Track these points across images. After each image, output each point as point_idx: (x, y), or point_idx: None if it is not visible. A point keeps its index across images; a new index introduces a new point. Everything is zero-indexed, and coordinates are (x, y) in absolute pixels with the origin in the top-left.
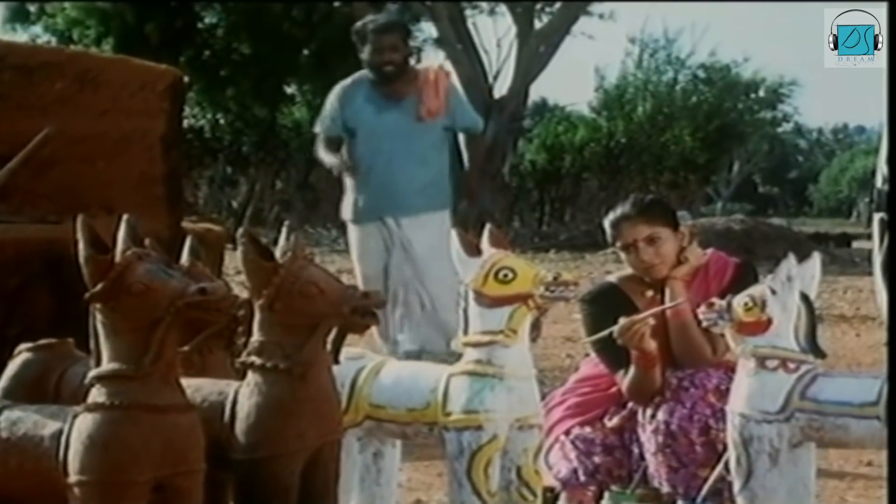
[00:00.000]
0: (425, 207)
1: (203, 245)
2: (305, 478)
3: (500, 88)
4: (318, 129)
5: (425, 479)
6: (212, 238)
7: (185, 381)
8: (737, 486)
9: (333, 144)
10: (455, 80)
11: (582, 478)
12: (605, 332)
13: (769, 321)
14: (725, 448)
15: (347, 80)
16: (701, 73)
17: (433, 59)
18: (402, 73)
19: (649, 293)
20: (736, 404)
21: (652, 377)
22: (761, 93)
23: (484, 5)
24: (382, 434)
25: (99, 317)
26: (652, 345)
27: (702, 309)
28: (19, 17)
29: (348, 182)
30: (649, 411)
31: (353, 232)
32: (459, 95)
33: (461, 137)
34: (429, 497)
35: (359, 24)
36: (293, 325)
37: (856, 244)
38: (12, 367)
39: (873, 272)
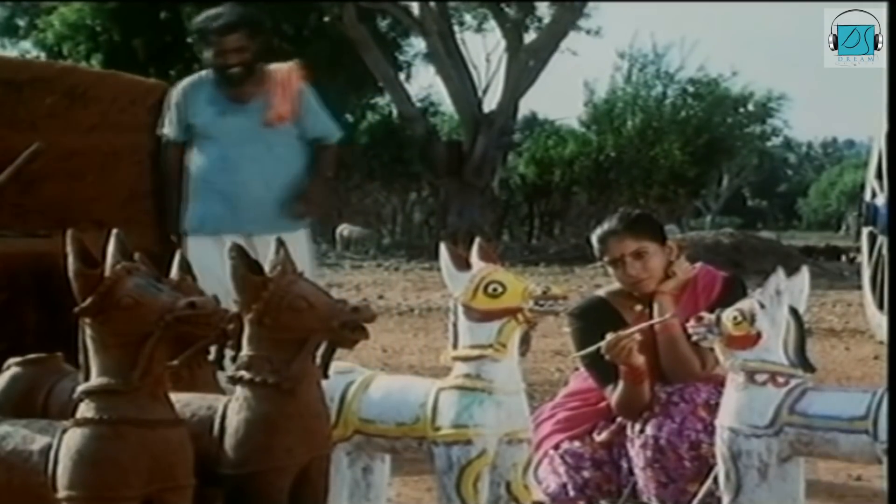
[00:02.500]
0: (278, 225)
1: None
2: (295, 493)
3: (490, 103)
4: (161, 132)
5: (414, 494)
6: None
7: (174, 396)
8: (726, 501)
9: (179, 149)
10: (305, 87)
11: (571, 492)
12: (593, 348)
13: (758, 335)
14: (715, 463)
15: (188, 80)
16: (690, 88)
17: (423, 74)
18: (249, 75)
19: (638, 307)
20: (725, 419)
21: (641, 392)
22: (750, 107)
23: (472, 21)
24: (372, 449)
25: (88, 331)
26: (640, 360)
27: (691, 323)
28: (9, 31)
29: (190, 190)
30: (638, 426)
31: (190, 246)
32: (312, 100)
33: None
34: None
35: (198, 21)
36: (282, 340)
37: (845, 258)
38: (0, 381)
39: (862, 286)
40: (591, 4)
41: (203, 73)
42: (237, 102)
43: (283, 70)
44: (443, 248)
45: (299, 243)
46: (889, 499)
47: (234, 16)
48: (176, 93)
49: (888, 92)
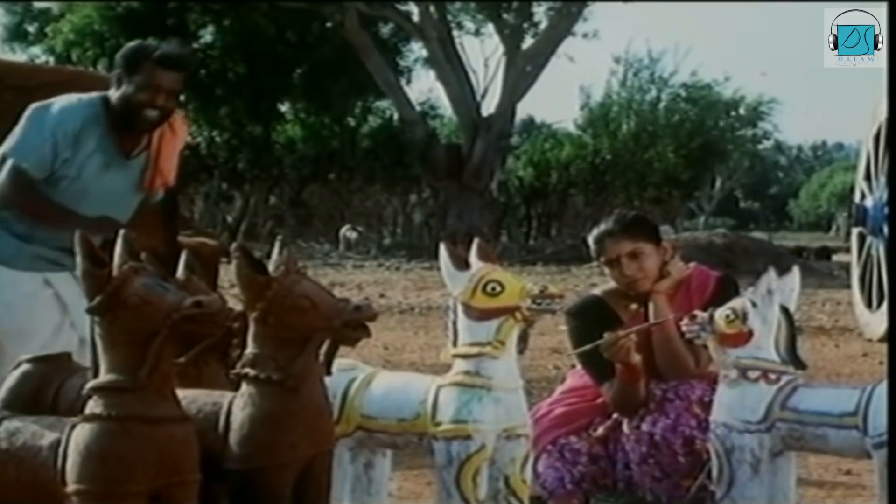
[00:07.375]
0: None
1: (198, 259)
2: (298, 488)
3: (488, 107)
4: (16, 159)
5: (415, 489)
6: (207, 252)
7: (181, 393)
8: (718, 495)
9: (30, 184)
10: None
11: (568, 486)
12: (591, 346)
13: (750, 333)
14: (708, 458)
15: (79, 115)
16: (683, 93)
17: (423, 79)
18: (160, 125)
19: (633, 306)
20: (718, 415)
21: (636, 389)
22: (742, 111)
23: (471, 26)
24: (373, 444)
25: (97, 329)
26: (636, 358)
27: (685, 321)
28: (19, 37)
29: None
30: (634, 422)
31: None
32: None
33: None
34: None
35: (136, 45)
36: (286, 338)
37: (834, 258)
38: (11, 378)
39: (851, 285)
40: (586, 10)
41: (94, 109)
42: (123, 155)
43: (177, 120)
44: (442, 248)
45: None
46: (889, 499)
47: (186, 51)
48: (64, 126)
49: (888, 92)
